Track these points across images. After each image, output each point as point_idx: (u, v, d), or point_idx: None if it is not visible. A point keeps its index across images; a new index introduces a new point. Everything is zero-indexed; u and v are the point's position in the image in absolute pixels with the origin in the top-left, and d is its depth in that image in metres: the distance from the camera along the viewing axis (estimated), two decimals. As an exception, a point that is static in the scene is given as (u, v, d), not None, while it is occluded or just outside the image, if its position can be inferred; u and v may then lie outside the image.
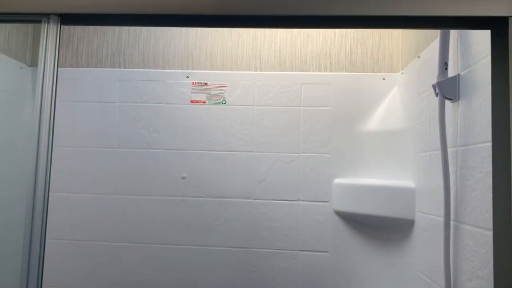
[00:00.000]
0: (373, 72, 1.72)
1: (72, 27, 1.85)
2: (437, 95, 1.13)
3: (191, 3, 0.75)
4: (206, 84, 1.78)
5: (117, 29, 1.83)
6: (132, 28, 1.84)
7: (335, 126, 1.70)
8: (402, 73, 1.64)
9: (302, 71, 1.76)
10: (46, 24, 0.82)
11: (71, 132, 1.78)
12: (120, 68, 1.80)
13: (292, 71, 1.76)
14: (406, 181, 1.51)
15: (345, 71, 1.74)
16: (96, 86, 1.79)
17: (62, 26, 0.81)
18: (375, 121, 1.68)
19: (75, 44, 1.83)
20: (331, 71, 1.75)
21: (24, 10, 0.79)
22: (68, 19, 0.80)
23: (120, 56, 1.81)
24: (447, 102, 1.14)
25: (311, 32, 1.77)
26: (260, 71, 1.77)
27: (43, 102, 0.82)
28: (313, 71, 1.75)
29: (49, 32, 0.81)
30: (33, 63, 1.84)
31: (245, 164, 1.72)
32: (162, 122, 1.76)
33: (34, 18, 0.82)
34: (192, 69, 1.80)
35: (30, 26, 1.86)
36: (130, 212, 1.73)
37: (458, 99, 1.09)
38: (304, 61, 1.76)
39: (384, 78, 1.70)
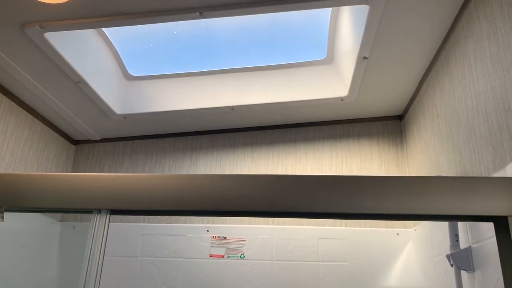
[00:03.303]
0: (387, 228, 1.79)
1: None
2: (452, 265, 1.17)
3: (211, 203, 0.88)
4: (225, 238, 1.84)
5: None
6: (158, 185, 1.98)
7: (354, 282, 1.71)
8: (415, 230, 1.70)
9: (318, 226, 1.83)
10: (97, 215, 0.93)
11: None
12: (145, 223, 1.90)
13: (309, 225, 1.84)
14: None
15: (360, 226, 1.81)
16: (119, 241, 1.86)
17: (110, 215, 0.92)
18: (394, 278, 1.68)
19: (104, 199, 1.97)
20: (346, 226, 1.82)
21: (81, 206, 0.91)
22: (116, 211, 0.92)
23: (145, 212, 1.93)
24: (463, 272, 1.18)
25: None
26: (278, 225, 1.85)
27: (86, 281, 0.88)
28: (328, 226, 1.83)
29: (99, 222, 0.92)
30: (63, 218, 1.96)
31: (264, 323, 1.68)
32: (181, 277, 1.78)
33: (87, 210, 0.93)
34: (213, 223, 1.89)
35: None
36: None
37: (473, 271, 1.13)
38: (319, 215, 1.85)
39: (398, 234, 1.76)
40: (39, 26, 1.24)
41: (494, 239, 1.03)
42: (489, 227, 1.06)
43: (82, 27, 1.26)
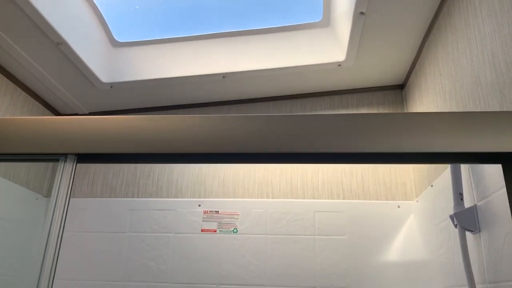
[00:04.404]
0: (387, 200, 1.70)
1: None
2: (455, 226, 1.08)
3: (197, 143, 0.78)
4: (217, 212, 1.76)
5: (133, 160, 1.90)
6: (148, 159, 1.90)
7: (352, 256, 1.62)
8: (417, 201, 1.61)
9: (314, 199, 1.74)
10: (63, 163, 0.85)
11: (75, 264, 1.72)
12: (133, 197, 1.82)
13: (304, 198, 1.75)
14: (435, 320, 1.36)
15: (358, 199, 1.72)
16: (107, 216, 1.78)
17: (78, 164, 0.84)
18: (395, 251, 1.59)
19: (91, 175, 1.89)
20: (344, 199, 1.73)
21: (45, 151, 0.82)
22: (83, 158, 0.83)
23: (134, 186, 1.85)
24: (468, 233, 1.09)
25: (322, 161, 1.81)
26: (272, 198, 1.77)
27: (50, 235, 0.80)
28: (325, 199, 1.74)
29: (65, 170, 0.84)
30: (49, 194, 1.88)
31: (258, 299, 1.60)
32: (171, 253, 1.70)
33: (53, 157, 0.85)
34: (204, 198, 1.80)
35: (51, 158, 1.94)
36: None
37: (479, 231, 1.04)
38: (316, 188, 1.76)
39: (399, 206, 1.67)
40: (10, -27, 1.16)
41: (500, 192, 0.94)
42: (495, 181, 0.96)
43: (57, -26, 1.17)
